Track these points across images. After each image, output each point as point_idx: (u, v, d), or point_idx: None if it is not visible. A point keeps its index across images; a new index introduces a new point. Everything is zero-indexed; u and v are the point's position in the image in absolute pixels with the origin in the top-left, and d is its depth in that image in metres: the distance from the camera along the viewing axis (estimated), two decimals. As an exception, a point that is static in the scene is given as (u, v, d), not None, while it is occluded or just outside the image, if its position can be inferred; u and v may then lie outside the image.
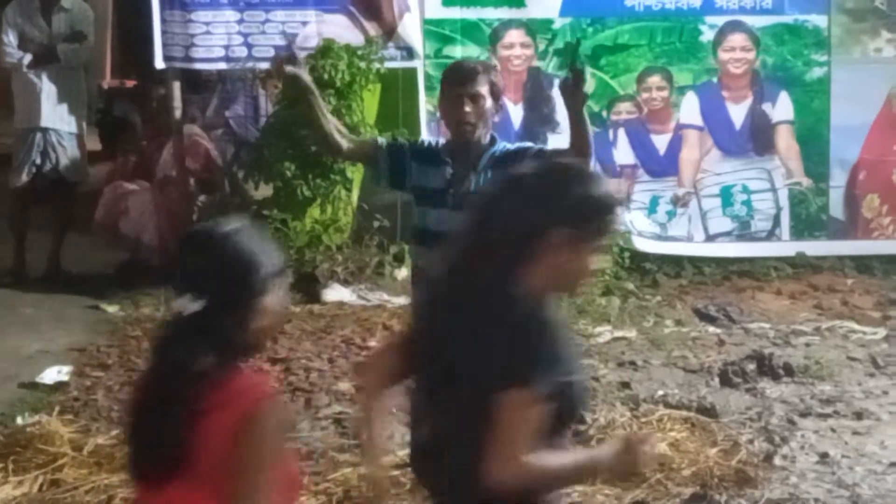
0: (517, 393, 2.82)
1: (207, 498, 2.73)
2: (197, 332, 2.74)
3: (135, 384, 2.94)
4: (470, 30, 9.28)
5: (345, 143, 4.72)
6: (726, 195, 9.55)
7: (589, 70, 4.51)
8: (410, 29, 9.16)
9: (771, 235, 9.61)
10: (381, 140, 4.72)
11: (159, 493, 2.78)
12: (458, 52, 9.19)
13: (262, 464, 2.72)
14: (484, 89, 4.43)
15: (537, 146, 4.59)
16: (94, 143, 11.14)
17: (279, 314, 2.87)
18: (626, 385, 6.76)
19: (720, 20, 9.47)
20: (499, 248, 2.91)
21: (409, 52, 9.17)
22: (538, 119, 9.30)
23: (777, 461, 5.71)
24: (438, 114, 8.91)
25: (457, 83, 4.47)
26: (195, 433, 2.71)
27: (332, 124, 4.73)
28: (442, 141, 4.69)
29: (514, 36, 9.35)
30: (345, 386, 6.80)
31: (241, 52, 9.07)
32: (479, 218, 3.00)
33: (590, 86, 4.56)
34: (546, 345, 2.90)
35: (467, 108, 4.41)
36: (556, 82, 9.27)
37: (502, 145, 4.52)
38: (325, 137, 4.68)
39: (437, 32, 9.26)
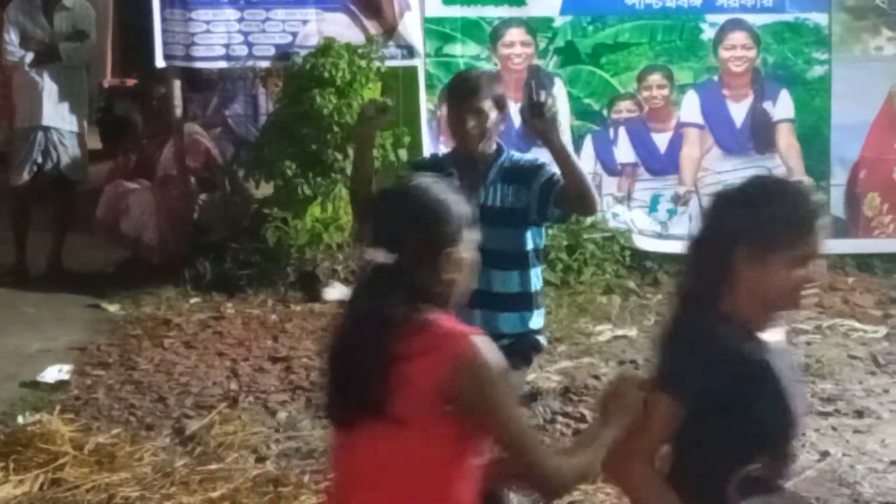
0: (659, 398, 2.92)
1: (408, 440, 2.80)
2: (392, 282, 2.84)
3: (331, 331, 3.07)
4: (470, 28, 9.27)
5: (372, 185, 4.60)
6: (727, 193, 9.53)
7: (550, 95, 4.41)
8: (411, 27, 9.16)
9: (772, 234, 9.59)
10: None
11: (358, 437, 2.88)
12: (458, 50, 9.19)
13: (501, 401, 2.81)
14: (487, 104, 4.41)
15: (548, 166, 4.50)
16: (94, 142, 11.14)
17: (469, 265, 2.95)
18: (626, 383, 6.75)
19: (721, 18, 9.46)
20: (702, 270, 3.01)
21: (410, 51, 9.17)
22: (539, 117, 9.29)
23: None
24: (439, 112, 9.04)
25: (461, 97, 4.45)
26: (395, 378, 2.78)
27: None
28: (446, 151, 4.68)
29: (515, 34, 9.34)
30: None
31: (242, 50, 9.07)
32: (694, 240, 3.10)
33: (555, 105, 4.46)
34: (720, 365, 2.90)
35: (471, 123, 4.39)
36: (557, 81, 9.32)
37: (509, 154, 4.50)
38: (364, 173, 4.55)
39: (437, 31, 9.25)
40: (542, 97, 4.28)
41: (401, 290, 2.84)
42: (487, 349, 2.84)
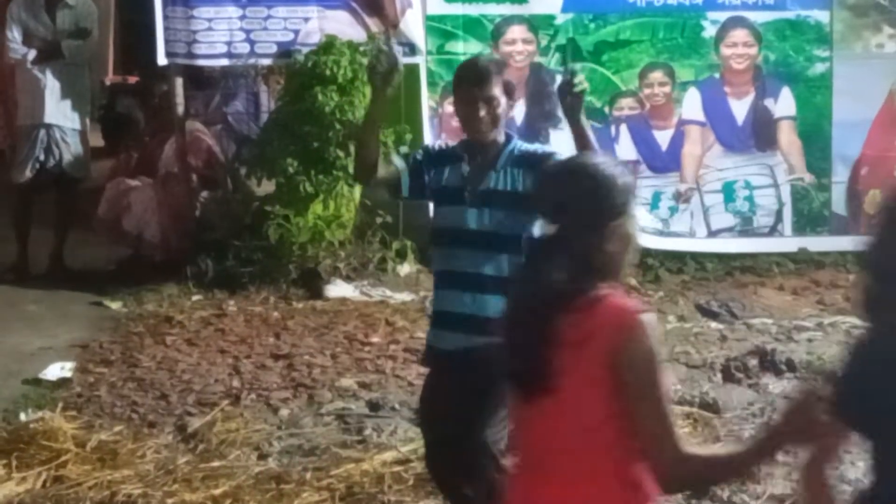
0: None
1: (574, 413, 2.88)
2: (560, 256, 2.91)
3: (508, 298, 3.15)
4: (472, 26, 9.28)
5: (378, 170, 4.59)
6: (728, 191, 9.55)
7: (582, 68, 4.50)
8: (412, 25, 9.16)
9: (773, 231, 9.62)
10: (400, 163, 4.62)
11: (533, 404, 2.95)
12: (460, 47, 9.19)
13: (655, 377, 2.86)
14: (498, 90, 4.39)
15: (558, 154, 4.49)
16: (96, 140, 11.15)
17: (634, 239, 3.01)
18: (627, 381, 6.75)
19: (722, 16, 9.46)
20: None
21: (412, 49, 9.16)
22: (540, 115, 9.30)
23: (779, 457, 5.70)
24: (440, 110, 9.05)
25: (471, 85, 4.42)
26: (564, 354, 2.86)
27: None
28: (453, 143, 4.67)
29: (516, 32, 9.35)
30: (347, 382, 6.81)
31: (244, 48, 9.07)
32: None
33: (585, 84, 4.50)
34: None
35: (482, 112, 4.37)
36: (558, 79, 9.31)
37: (517, 142, 4.49)
38: (371, 152, 4.53)
39: (439, 28, 9.26)
40: (575, 76, 4.38)
41: (569, 265, 2.90)
42: (654, 327, 2.90)
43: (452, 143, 4.70)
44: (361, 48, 8.87)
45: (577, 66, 4.44)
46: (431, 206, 4.74)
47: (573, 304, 2.87)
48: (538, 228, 4.40)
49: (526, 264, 3.06)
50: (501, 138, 4.46)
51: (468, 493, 4.44)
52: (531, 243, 3.02)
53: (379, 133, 4.62)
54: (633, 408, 2.84)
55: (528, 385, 2.94)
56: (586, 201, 2.94)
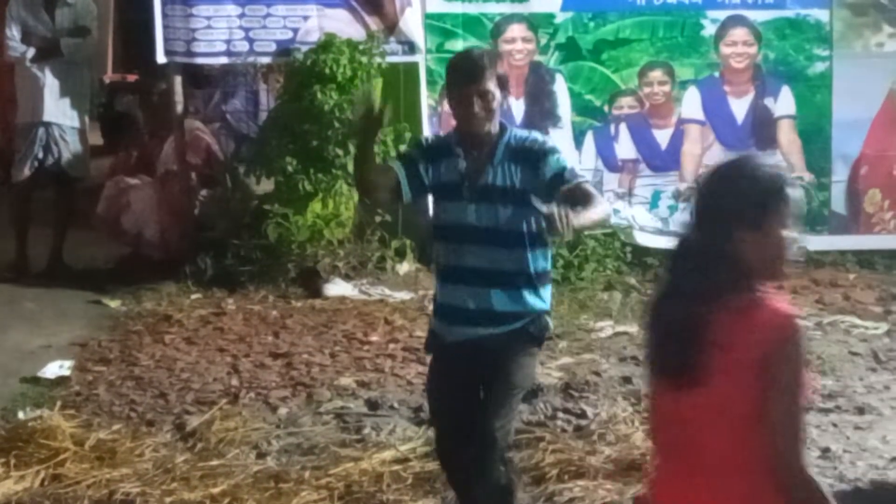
0: None
1: (722, 410, 2.91)
2: (714, 255, 2.94)
3: (652, 300, 3.20)
4: (471, 24, 9.27)
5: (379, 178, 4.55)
6: (728, 190, 9.53)
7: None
8: (412, 23, 9.16)
9: (772, 230, 9.60)
10: (395, 166, 4.58)
11: (680, 398, 2.98)
12: (459, 46, 9.15)
13: (799, 382, 2.88)
14: (492, 84, 4.35)
15: (556, 153, 4.46)
16: (95, 138, 11.14)
17: (788, 240, 3.00)
18: (627, 380, 6.75)
19: (722, 14, 9.45)
20: None
21: (411, 47, 9.16)
22: (540, 113, 9.30)
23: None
24: (440, 108, 9.04)
25: (464, 80, 4.38)
26: (718, 352, 2.89)
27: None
28: (449, 133, 4.64)
29: (516, 30, 9.34)
30: (346, 381, 6.81)
31: (243, 46, 9.07)
32: None
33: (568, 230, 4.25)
34: None
35: (476, 108, 4.34)
36: (558, 78, 9.31)
37: (512, 133, 4.46)
38: (370, 177, 4.51)
39: (438, 27, 9.25)
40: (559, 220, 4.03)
41: (728, 266, 2.93)
42: (804, 330, 2.94)
43: (448, 132, 4.65)
44: (361, 46, 8.87)
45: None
46: (430, 199, 4.73)
47: (728, 304, 2.91)
48: (534, 223, 4.39)
49: (682, 265, 3.06)
50: (496, 129, 4.43)
51: (474, 483, 4.45)
52: (685, 241, 3.03)
53: (374, 159, 4.59)
54: (772, 412, 2.87)
55: (677, 379, 2.98)
56: (750, 205, 2.95)
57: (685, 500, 3.00)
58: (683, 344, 2.94)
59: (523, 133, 4.53)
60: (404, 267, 8.92)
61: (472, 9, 9.27)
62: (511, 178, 4.37)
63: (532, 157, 4.38)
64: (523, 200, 4.31)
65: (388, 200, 4.67)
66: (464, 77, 4.40)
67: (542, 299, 4.49)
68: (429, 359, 4.90)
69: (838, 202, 9.58)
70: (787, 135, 9.57)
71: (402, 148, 8.43)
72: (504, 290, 4.40)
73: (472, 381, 4.44)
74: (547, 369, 6.82)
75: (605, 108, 9.43)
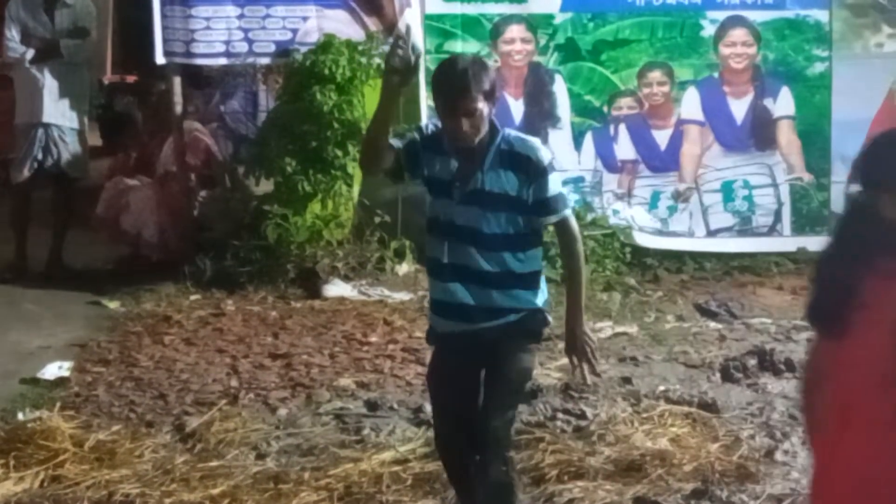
0: None
1: (868, 370, 3.02)
2: (876, 219, 3.02)
3: (820, 256, 3.29)
4: (471, 25, 9.27)
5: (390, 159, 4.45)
6: (727, 190, 9.55)
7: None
8: (411, 24, 9.14)
9: (772, 231, 9.62)
10: (397, 143, 4.53)
11: (835, 356, 3.12)
12: (458, 47, 9.19)
13: None
14: (479, 100, 4.23)
15: (547, 174, 4.38)
16: (94, 139, 11.14)
17: None
18: (627, 380, 6.75)
19: (721, 15, 9.46)
20: None
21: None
22: (539, 114, 9.30)
23: (778, 456, 5.70)
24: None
25: (449, 98, 4.27)
26: (864, 309, 3.02)
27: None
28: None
29: (515, 31, 9.35)
30: (345, 381, 6.80)
31: (242, 47, 9.07)
32: None
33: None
34: None
35: (465, 126, 4.25)
36: (557, 78, 9.31)
37: (504, 135, 4.38)
38: (382, 140, 4.38)
39: (437, 28, 9.25)
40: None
41: (884, 230, 3.01)
42: None
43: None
44: (360, 47, 8.86)
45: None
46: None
47: (880, 267, 3.00)
48: (523, 226, 4.38)
49: (845, 225, 3.17)
50: (486, 134, 4.33)
51: (475, 482, 4.44)
52: (852, 205, 3.13)
53: (390, 130, 4.49)
54: None
55: (830, 334, 3.12)
56: None
57: (841, 456, 3.10)
58: (837, 300, 3.07)
59: (517, 137, 4.44)
60: (403, 268, 8.91)
61: (472, 9, 9.27)
62: (501, 184, 4.33)
63: (522, 165, 4.31)
64: (510, 206, 4.31)
65: (390, 175, 4.55)
66: (449, 95, 4.28)
67: (534, 296, 4.48)
68: (429, 355, 4.90)
69: (838, 203, 9.55)
70: (786, 135, 9.58)
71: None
72: (492, 288, 4.39)
73: (470, 370, 4.44)
74: (546, 370, 6.82)
75: (605, 109, 9.44)
